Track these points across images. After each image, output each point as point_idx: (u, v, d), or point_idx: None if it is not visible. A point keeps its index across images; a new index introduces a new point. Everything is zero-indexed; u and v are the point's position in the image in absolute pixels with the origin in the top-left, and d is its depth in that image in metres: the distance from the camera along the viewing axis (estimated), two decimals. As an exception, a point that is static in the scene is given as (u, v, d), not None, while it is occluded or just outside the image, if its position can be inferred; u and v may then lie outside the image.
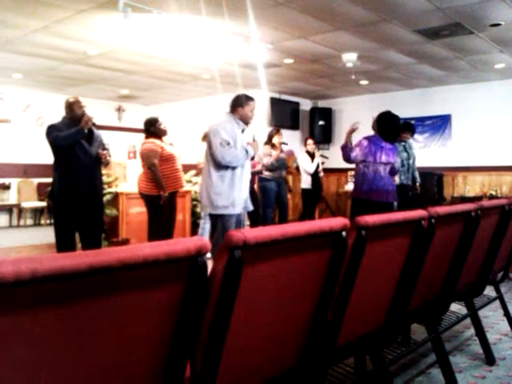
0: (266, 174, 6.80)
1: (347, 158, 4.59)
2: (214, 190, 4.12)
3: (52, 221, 9.79)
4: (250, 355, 1.50)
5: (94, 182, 4.53)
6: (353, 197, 4.80)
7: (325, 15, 5.39)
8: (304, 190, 7.76)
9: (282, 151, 6.89)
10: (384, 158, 4.56)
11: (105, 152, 4.56)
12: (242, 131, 4.32)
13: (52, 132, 4.33)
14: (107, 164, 4.76)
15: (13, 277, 0.84)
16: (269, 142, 6.90)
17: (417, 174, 6.46)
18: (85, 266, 0.93)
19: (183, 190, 5.80)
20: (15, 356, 0.95)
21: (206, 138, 6.11)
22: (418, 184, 6.48)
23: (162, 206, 4.98)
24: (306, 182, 7.69)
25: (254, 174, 6.50)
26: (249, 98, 4.25)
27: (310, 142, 7.75)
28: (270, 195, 6.84)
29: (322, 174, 7.80)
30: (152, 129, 5.14)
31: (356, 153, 4.53)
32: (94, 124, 4.52)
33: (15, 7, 5.17)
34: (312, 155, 7.67)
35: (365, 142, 4.57)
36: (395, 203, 5.19)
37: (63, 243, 4.43)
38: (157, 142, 5.08)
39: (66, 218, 4.41)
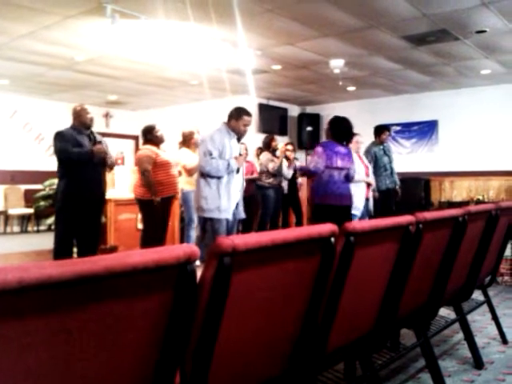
0: (266, 181, 6.78)
1: (310, 172, 4.58)
2: (201, 193, 4.30)
3: (39, 228, 9.78)
4: (239, 361, 1.49)
5: (101, 185, 4.69)
6: (313, 203, 4.77)
7: (312, 22, 5.43)
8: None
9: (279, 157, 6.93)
10: (339, 163, 4.54)
11: (99, 146, 4.61)
12: (238, 139, 4.38)
13: (60, 141, 4.48)
14: (111, 166, 4.88)
15: (-1, 286, 0.83)
16: (267, 148, 6.95)
17: (396, 177, 6.46)
18: (72, 274, 0.93)
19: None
20: (2, 366, 0.94)
21: (184, 143, 6.22)
22: (398, 187, 6.47)
23: (155, 209, 5.06)
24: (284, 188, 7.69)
25: (250, 181, 6.48)
26: (245, 113, 4.29)
27: (289, 147, 7.75)
28: (269, 203, 6.81)
29: (299, 180, 7.80)
30: (149, 136, 5.28)
31: (315, 162, 4.50)
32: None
33: (1, 12, 5.14)
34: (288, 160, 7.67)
35: (319, 149, 4.54)
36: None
37: (63, 251, 4.50)
38: (152, 148, 5.19)
39: (71, 224, 4.52)
